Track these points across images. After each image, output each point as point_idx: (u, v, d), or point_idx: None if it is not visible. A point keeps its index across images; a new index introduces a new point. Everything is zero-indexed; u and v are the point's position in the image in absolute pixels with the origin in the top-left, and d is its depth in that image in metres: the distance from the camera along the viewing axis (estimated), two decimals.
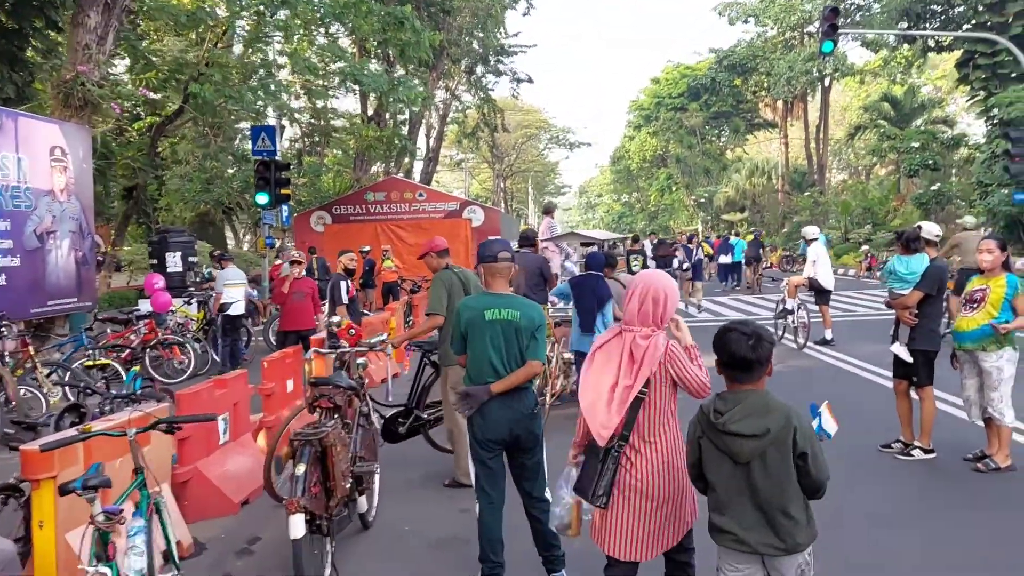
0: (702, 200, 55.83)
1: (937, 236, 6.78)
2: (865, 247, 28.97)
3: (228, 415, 5.88)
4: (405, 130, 34.19)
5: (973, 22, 25.67)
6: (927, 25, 27.44)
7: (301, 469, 4.12)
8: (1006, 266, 6.02)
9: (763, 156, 58.46)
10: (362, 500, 5.21)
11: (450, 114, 44.05)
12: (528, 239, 9.54)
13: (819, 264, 12.81)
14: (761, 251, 24.67)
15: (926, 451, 6.47)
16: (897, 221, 33.74)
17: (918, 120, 34.92)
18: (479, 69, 40.41)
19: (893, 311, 6.77)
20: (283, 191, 16.17)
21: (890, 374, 7.01)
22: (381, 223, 22.89)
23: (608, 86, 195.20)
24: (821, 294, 12.93)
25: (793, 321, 12.80)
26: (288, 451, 4.25)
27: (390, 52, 20.13)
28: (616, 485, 3.27)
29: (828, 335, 12.75)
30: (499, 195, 67.47)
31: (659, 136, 60.50)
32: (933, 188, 27.82)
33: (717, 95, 53.42)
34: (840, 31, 22.11)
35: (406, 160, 38.72)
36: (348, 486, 4.64)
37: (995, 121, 24.64)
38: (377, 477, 5.66)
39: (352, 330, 6.04)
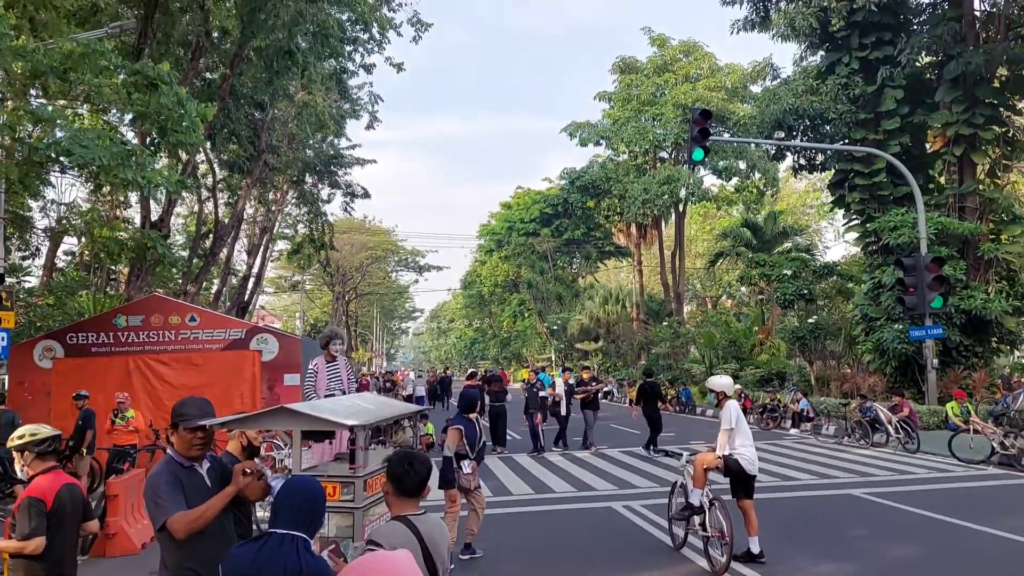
0: (555, 327, 52.97)
1: None
2: (737, 386, 25.59)
3: None
4: (208, 243, 28.53)
5: (845, 140, 23.73)
6: (797, 136, 25.24)
7: None
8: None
9: (615, 283, 56.94)
10: None
11: (276, 228, 38.94)
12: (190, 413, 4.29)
13: (738, 434, 8.34)
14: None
15: None
16: (763, 356, 31.04)
17: (779, 247, 32.97)
18: (308, 179, 35.83)
19: None
20: None
21: None
22: (136, 356, 16.82)
23: (461, 210, 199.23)
24: (742, 482, 8.35)
25: (705, 526, 8.14)
26: None
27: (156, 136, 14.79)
28: None
29: (755, 547, 8.14)
30: (340, 320, 62.31)
31: (511, 261, 58.32)
32: (810, 320, 25.02)
33: (570, 218, 51.51)
34: (711, 139, 19.22)
35: (212, 278, 32.85)
36: None
37: (873, 248, 22.19)
38: None
39: None
